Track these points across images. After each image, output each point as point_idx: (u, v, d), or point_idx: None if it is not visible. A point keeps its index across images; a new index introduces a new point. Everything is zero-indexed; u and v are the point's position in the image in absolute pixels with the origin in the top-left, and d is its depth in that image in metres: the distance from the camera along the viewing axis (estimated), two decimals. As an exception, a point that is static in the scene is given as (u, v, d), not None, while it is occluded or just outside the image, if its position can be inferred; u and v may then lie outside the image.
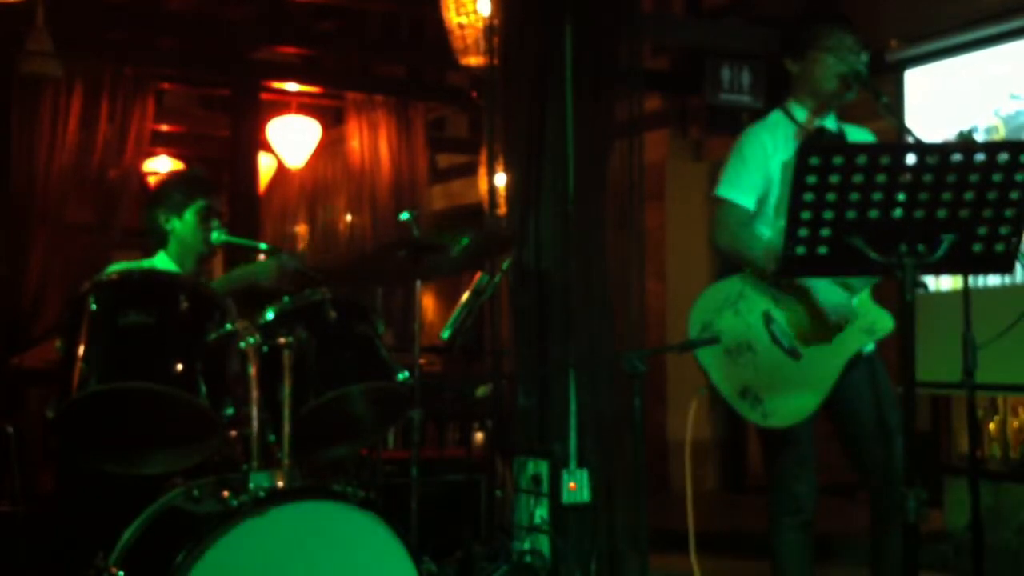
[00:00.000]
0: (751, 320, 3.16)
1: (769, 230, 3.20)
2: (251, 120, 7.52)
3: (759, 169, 3.22)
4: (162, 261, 3.55)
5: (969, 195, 2.37)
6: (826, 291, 3.10)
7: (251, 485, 2.69)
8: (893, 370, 3.19)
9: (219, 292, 3.09)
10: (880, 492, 3.22)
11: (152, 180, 8.31)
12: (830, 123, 3.30)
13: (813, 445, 3.24)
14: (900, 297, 2.43)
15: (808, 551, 3.27)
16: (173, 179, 3.82)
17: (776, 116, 3.33)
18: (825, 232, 2.41)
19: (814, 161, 2.34)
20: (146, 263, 3.57)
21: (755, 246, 3.19)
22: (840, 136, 3.29)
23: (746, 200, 3.22)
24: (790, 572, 3.26)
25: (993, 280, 5.07)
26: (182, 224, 3.52)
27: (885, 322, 3.17)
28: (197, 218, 3.52)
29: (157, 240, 3.56)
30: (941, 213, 2.38)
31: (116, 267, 3.34)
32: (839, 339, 3.14)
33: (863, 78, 3.18)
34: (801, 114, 3.28)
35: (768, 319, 3.16)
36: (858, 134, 3.35)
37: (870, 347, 3.23)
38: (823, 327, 3.13)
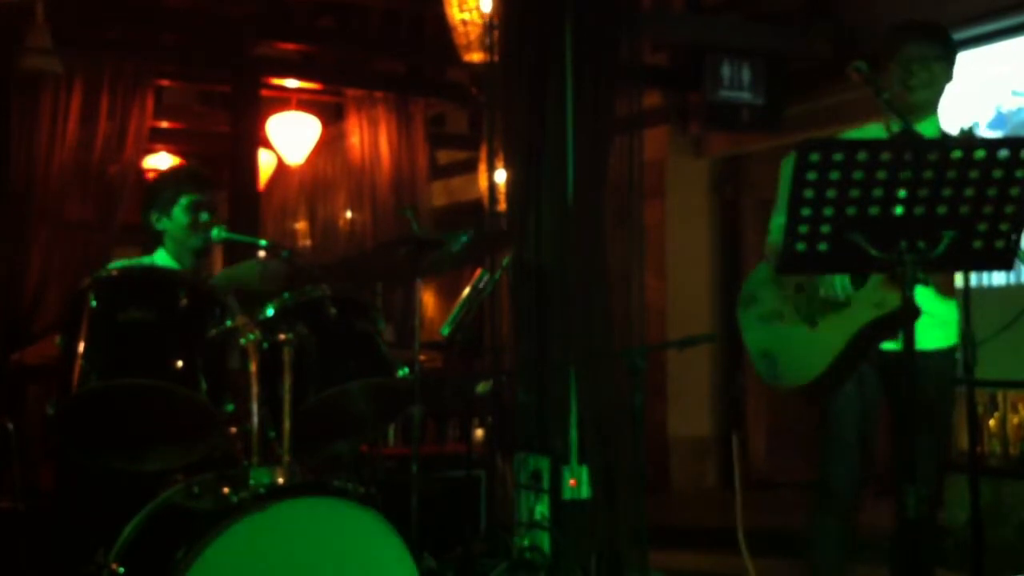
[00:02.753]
0: (785, 292, 3.29)
1: None
2: (251, 117, 7.50)
3: None
4: (161, 258, 3.56)
5: (969, 192, 2.37)
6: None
7: (251, 481, 2.69)
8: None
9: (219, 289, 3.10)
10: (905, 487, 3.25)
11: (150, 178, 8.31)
12: (928, 128, 3.23)
13: (859, 432, 3.26)
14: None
15: (839, 540, 3.28)
16: (160, 178, 3.83)
17: (873, 127, 3.33)
18: (825, 229, 2.41)
19: (814, 158, 2.34)
20: (146, 260, 3.58)
21: None
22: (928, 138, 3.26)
23: None
24: (821, 561, 3.28)
25: (999, 279, 5.05)
26: (172, 222, 3.55)
27: (894, 299, 3.17)
28: (186, 213, 3.53)
29: (154, 239, 3.58)
30: (941, 210, 2.38)
31: (116, 264, 3.35)
32: (848, 312, 3.16)
33: (864, 74, 3.18)
34: (894, 124, 3.29)
35: (799, 288, 3.26)
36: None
37: (939, 344, 3.22)
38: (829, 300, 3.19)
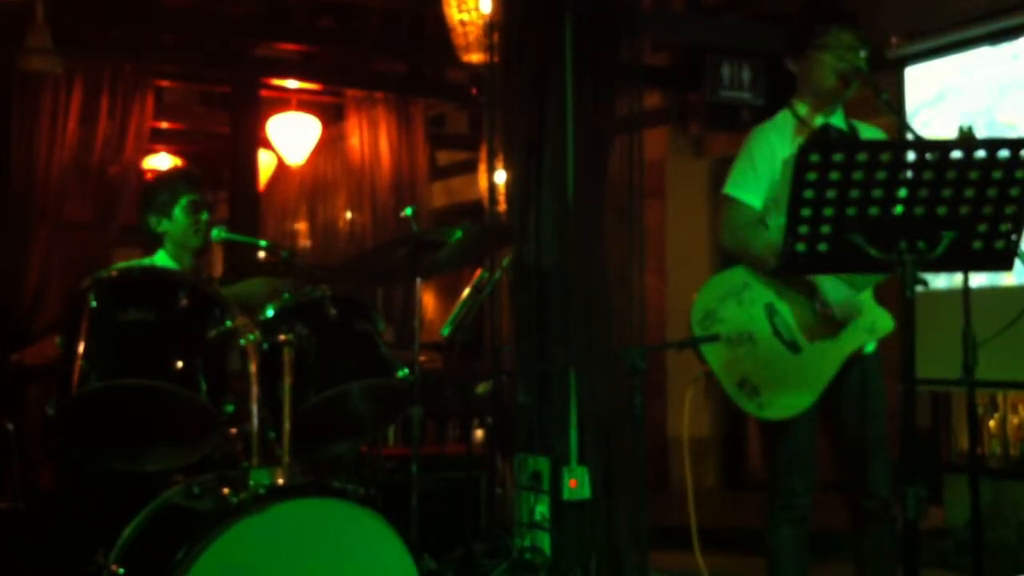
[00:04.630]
0: (754, 311, 3.18)
1: None
2: (251, 117, 7.50)
3: (767, 168, 3.22)
4: (162, 260, 3.57)
5: (969, 192, 2.37)
6: (831, 287, 3.10)
7: (251, 482, 2.69)
8: (894, 366, 3.19)
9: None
10: (856, 498, 3.26)
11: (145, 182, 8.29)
12: (837, 120, 3.29)
13: (814, 441, 3.25)
14: (900, 294, 2.43)
15: (802, 546, 3.28)
16: (156, 181, 3.84)
17: (784, 116, 3.34)
18: (825, 229, 2.41)
19: (814, 158, 2.34)
20: (146, 261, 3.59)
21: (760, 243, 3.19)
22: (849, 134, 3.29)
23: (752, 199, 3.25)
24: (783, 566, 3.28)
25: (1010, 280, 5.02)
26: (172, 224, 3.57)
27: (885, 322, 3.17)
28: (186, 214, 3.56)
29: (154, 241, 3.60)
30: (941, 210, 2.38)
31: (118, 266, 3.35)
32: (840, 336, 3.14)
33: (864, 74, 3.17)
34: (805, 112, 3.29)
35: (771, 311, 3.17)
36: (869, 132, 3.35)
37: (871, 348, 3.23)
38: (826, 322, 3.13)
